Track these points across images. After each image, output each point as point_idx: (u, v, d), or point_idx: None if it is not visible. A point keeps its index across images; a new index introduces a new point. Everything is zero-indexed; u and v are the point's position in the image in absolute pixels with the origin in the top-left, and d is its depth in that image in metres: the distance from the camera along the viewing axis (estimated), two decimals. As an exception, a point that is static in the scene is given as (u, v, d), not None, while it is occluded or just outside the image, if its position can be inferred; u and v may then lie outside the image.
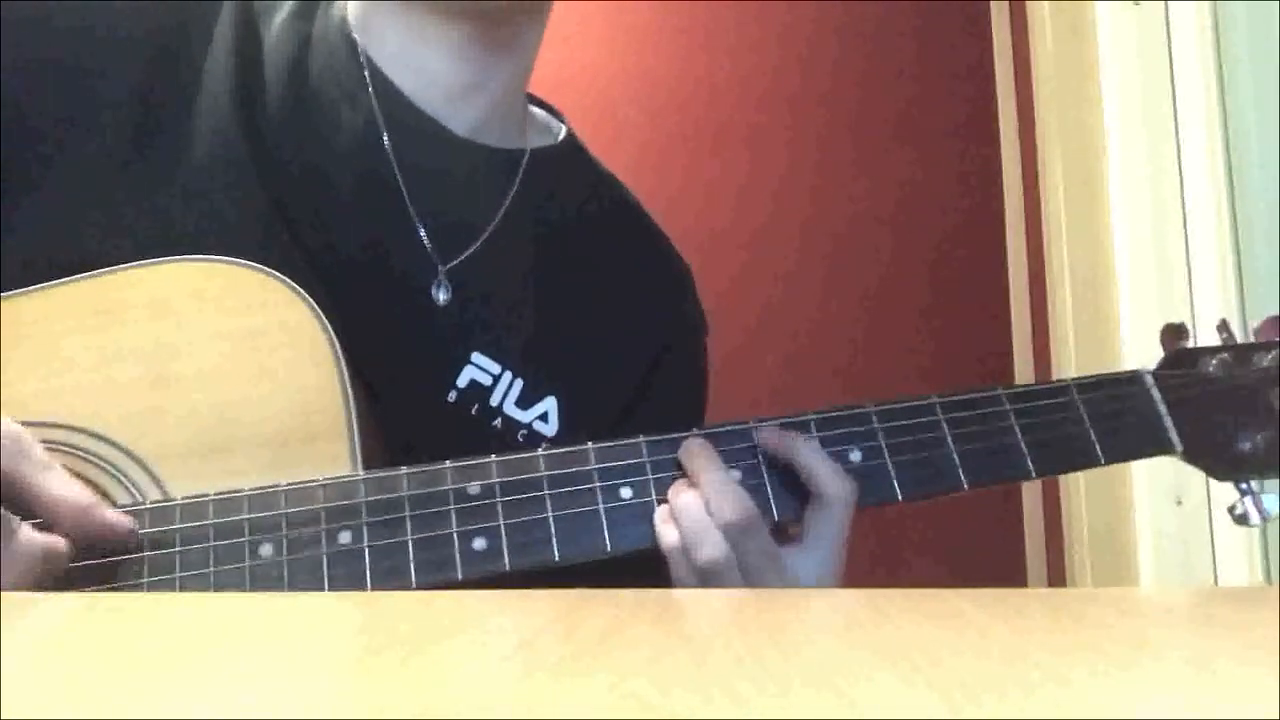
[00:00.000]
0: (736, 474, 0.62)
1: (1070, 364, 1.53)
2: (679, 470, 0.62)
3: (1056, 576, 1.80)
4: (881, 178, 2.05)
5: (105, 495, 0.59)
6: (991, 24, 2.08)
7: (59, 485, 0.55)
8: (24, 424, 0.58)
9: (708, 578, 0.60)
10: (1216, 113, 1.36)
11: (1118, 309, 1.37)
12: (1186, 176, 1.36)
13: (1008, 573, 1.87)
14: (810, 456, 0.62)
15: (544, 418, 0.73)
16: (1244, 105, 1.36)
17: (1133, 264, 1.37)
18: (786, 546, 0.62)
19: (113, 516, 0.56)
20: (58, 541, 0.54)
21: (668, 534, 0.61)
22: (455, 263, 0.72)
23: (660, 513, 0.61)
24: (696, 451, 0.62)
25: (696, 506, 0.60)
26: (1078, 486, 1.54)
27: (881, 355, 1.94)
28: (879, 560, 1.89)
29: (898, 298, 2.00)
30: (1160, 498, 1.31)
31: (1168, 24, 1.40)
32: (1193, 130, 1.37)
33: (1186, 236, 1.35)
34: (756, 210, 2.04)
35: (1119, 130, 1.40)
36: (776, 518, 0.62)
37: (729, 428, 0.64)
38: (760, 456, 0.63)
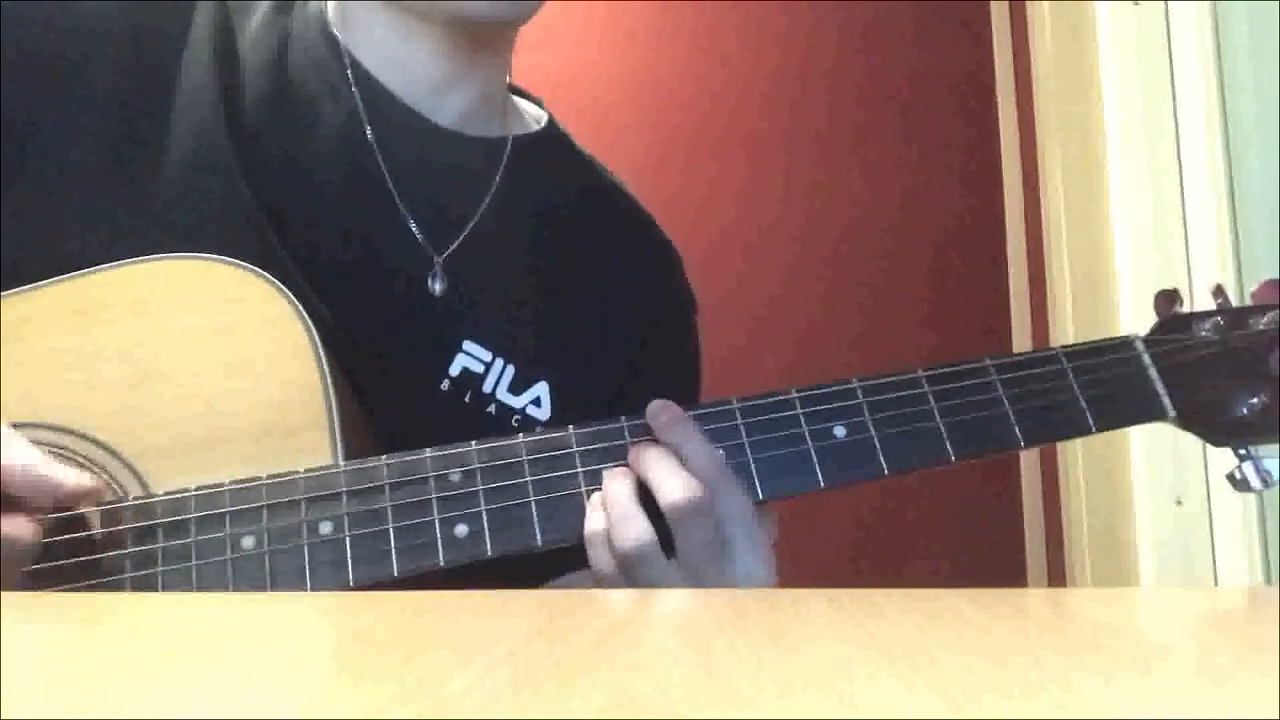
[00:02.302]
0: (720, 453, 0.61)
1: (1070, 364, 1.53)
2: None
3: (1056, 576, 1.80)
4: (882, 178, 2.05)
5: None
6: (991, 24, 2.08)
7: (6, 452, 0.55)
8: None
9: (682, 531, 0.59)
10: (1216, 113, 1.36)
11: (1118, 308, 1.37)
12: (1186, 176, 1.36)
13: (1008, 573, 1.87)
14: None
15: (537, 402, 0.74)
16: (1244, 105, 1.36)
17: (1133, 263, 1.37)
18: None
19: (62, 472, 0.56)
20: (18, 526, 0.54)
21: (595, 519, 0.60)
22: (448, 252, 0.73)
23: (593, 501, 0.61)
24: (669, 418, 0.61)
25: (671, 462, 0.59)
26: (1078, 486, 1.54)
27: (882, 355, 1.94)
28: (879, 560, 1.89)
29: (898, 298, 2.01)
30: (1160, 498, 1.31)
31: (1168, 24, 1.40)
32: (1193, 130, 1.37)
33: (1186, 236, 1.35)
34: (757, 211, 2.04)
35: (1119, 130, 1.40)
36: (761, 496, 0.61)
37: (712, 408, 0.63)
38: (744, 434, 0.63)
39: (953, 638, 0.29)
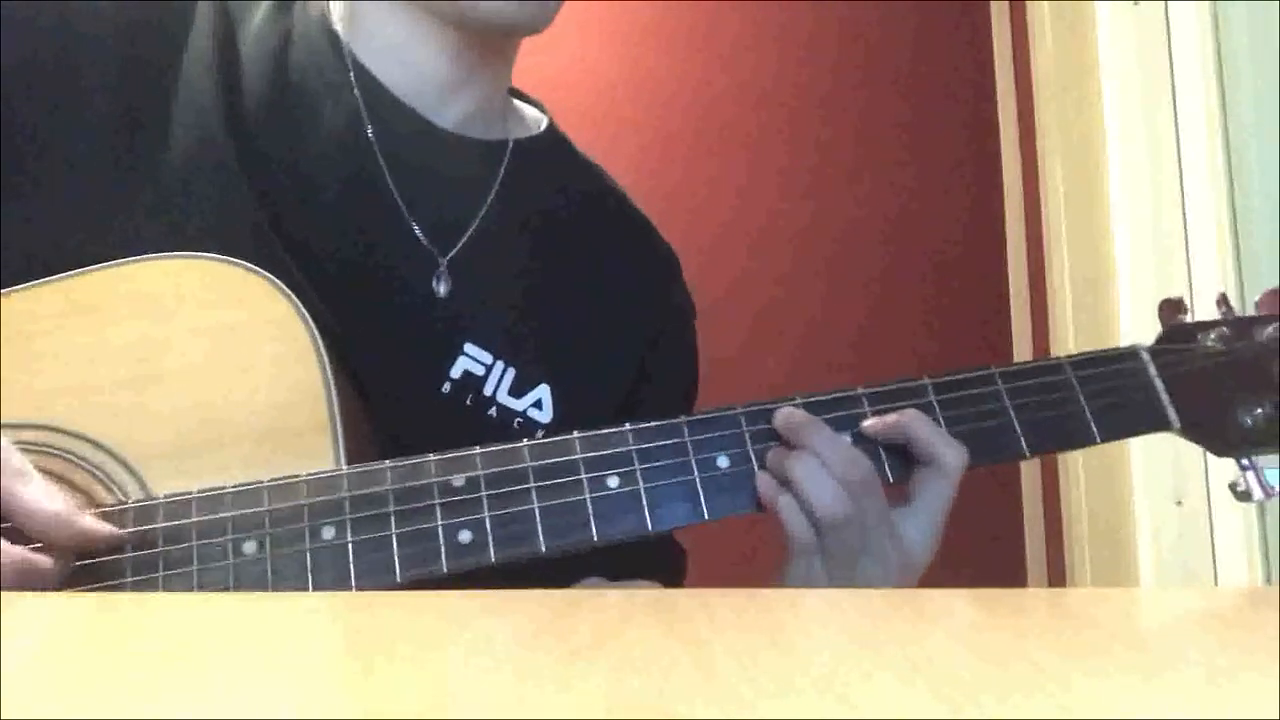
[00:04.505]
0: (863, 457, 0.62)
1: (1070, 364, 1.53)
2: (670, 457, 0.62)
3: (1056, 576, 1.80)
4: (881, 179, 2.05)
5: (88, 496, 0.59)
6: (991, 24, 2.08)
7: (34, 494, 0.54)
8: (5, 426, 0.58)
9: (833, 533, 0.61)
10: (1216, 113, 1.36)
11: (1118, 309, 1.37)
12: (1186, 176, 1.36)
13: (1008, 573, 1.87)
14: (926, 431, 0.62)
15: (538, 405, 0.73)
16: (1244, 105, 1.36)
17: (1133, 264, 1.37)
18: (896, 508, 0.63)
19: (90, 523, 0.55)
20: (39, 557, 0.54)
21: (776, 495, 0.61)
22: (452, 254, 0.73)
23: (763, 479, 0.62)
24: (802, 420, 0.62)
25: (815, 466, 0.61)
26: (1078, 486, 1.54)
27: (882, 356, 1.94)
28: (879, 560, 1.89)
29: (898, 298, 2.00)
30: (1160, 498, 1.31)
31: (1167, 24, 1.40)
32: (1193, 130, 1.37)
33: (1186, 236, 1.35)
34: (757, 212, 2.04)
35: (1119, 130, 1.40)
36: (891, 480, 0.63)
37: (715, 414, 0.63)
38: (748, 442, 0.63)
39: (953, 638, 0.29)
